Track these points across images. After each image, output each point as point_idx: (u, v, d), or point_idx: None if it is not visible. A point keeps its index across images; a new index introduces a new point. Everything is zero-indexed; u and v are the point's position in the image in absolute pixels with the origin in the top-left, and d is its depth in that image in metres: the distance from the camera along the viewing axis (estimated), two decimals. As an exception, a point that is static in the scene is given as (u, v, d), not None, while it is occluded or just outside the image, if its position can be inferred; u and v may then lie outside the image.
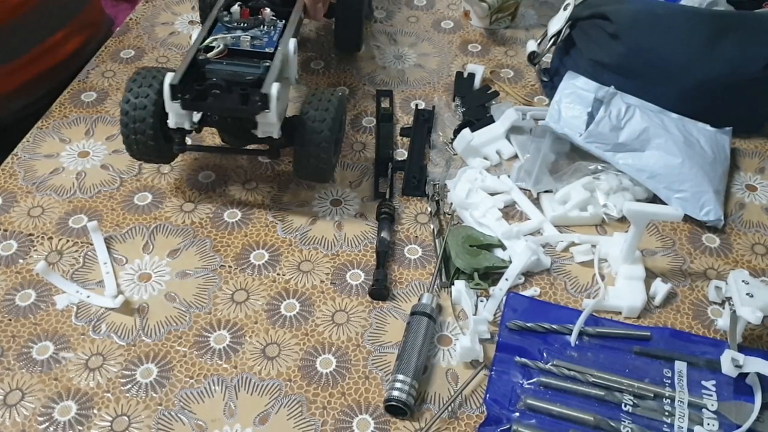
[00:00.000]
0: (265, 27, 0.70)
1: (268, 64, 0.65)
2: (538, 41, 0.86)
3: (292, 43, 0.68)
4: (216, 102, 0.63)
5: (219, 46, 0.65)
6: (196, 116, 0.66)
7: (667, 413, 0.55)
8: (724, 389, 0.56)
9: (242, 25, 0.69)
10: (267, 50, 0.67)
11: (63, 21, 0.90)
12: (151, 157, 0.69)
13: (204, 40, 0.66)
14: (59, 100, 0.82)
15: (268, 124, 0.63)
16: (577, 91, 0.76)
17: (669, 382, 0.57)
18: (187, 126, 0.65)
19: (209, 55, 0.65)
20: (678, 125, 0.73)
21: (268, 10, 0.70)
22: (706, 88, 0.75)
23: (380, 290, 0.62)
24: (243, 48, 0.67)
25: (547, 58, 0.87)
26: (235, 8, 0.70)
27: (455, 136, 0.77)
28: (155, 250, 0.66)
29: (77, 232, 0.67)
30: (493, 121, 0.78)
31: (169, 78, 0.62)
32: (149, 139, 0.66)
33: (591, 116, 0.73)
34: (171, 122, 0.64)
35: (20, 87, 0.86)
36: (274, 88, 0.61)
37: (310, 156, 0.66)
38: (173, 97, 0.62)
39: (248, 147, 0.69)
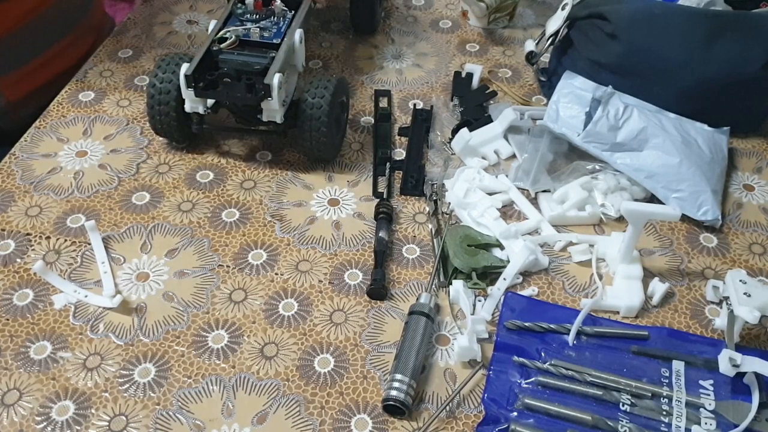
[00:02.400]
0: (275, 18, 0.75)
1: (274, 54, 0.70)
2: (536, 41, 0.86)
3: (298, 33, 0.73)
4: (225, 90, 0.68)
5: (231, 38, 0.71)
6: (210, 101, 0.71)
7: (664, 413, 0.55)
8: (721, 388, 0.56)
9: (254, 16, 0.74)
10: (275, 41, 0.72)
11: (69, 26, 0.89)
12: (173, 135, 0.74)
13: (219, 31, 0.72)
14: (57, 100, 0.82)
15: (272, 110, 0.69)
16: (575, 90, 0.76)
17: (667, 381, 0.57)
18: (201, 110, 0.70)
19: (222, 45, 0.70)
20: (676, 125, 0.74)
21: (278, 1, 0.75)
22: (704, 87, 0.75)
23: (378, 290, 0.62)
24: (253, 39, 0.72)
25: (545, 58, 0.87)
26: (249, 0, 0.74)
27: (453, 136, 0.77)
28: (153, 250, 0.66)
29: (75, 232, 0.67)
30: (491, 121, 0.78)
31: (184, 68, 0.68)
32: (172, 120, 0.72)
33: (589, 116, 0.73)
34: (187, 107, 0.70)
35: (29, 95, 0.85)
36: (276, 78, 0.66)
37: (310, 137, 0.70)
38: (188, 85, 0.68)
39: (259, 128, 0.73)
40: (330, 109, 0.70)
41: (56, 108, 0.81)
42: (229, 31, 0.71)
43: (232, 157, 0.75)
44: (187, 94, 0.69)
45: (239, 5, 0.75)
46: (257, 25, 0.73)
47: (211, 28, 0.73)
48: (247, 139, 0.78)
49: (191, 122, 0.73)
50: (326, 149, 0.72)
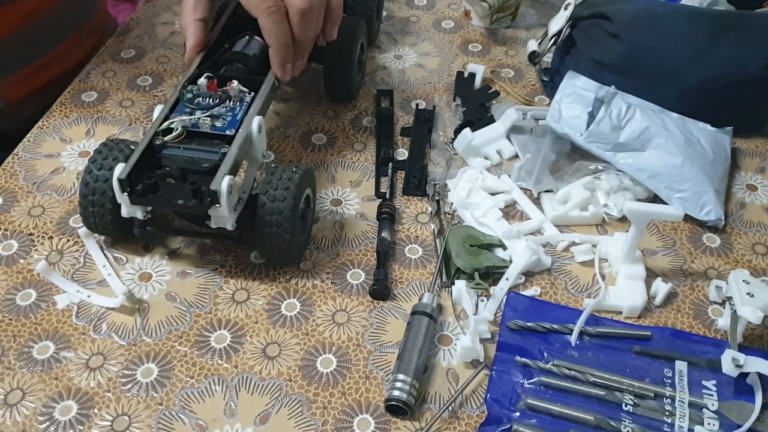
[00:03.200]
0: (231, 102, 0.64)
1: (226, 149, 0.60)
2: (539, 41, 0.86)
3: (256, 121, 0.62)
4: (165, 196, 0.58)
5: (177, 129, 0.61)
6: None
7: (667, 413, 0.55)
8: (724, 389, 0.56)
9: (207, 101, 0.64)
10: (228, 132, 0.61)
11: (71, 28, 0.89)
12: (111, 234, 0.65)
13: (164, 120, 0.62)
14: (60, 100, 0.82)
15: (221, 218, 0.59)
16: (577, 90, 0.76)
17: (669, 381, 0.57)
18: (139, 216, 0.61)
19: (166, 139, 0.61)
20: (678, 125, 0.73)
21: (235, 83, 0.65)
22: (707, 87, 0.75)
23: (381, 290, 0.62)
24: (203, 130, 0.62)
25: (548, 58, 0.87)
26: (202, 81, 0.64)
27: (456, 136, 0.77)
28: (156, 250, 0.66)
29: (78, 232, 0.67)
30: (494, 121, 0.78)
31: (117, 170, 0.58)
32: (108, 223, 0.63)
33: (591, 116, 0.73)
34: (123, 212, 0.60)
35: (31, 94, 0.85)
36: (225, 183, 0.56)
37: (270, 243, 0.61)
38: (122, 190, 0.58)
39: (211, 231, 0.62)
40: (294, 203, 0.60)
41: (59, 108, 0.81)
42: (174, 121, 0.61)
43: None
44: (122, 199, 0.59)
45: (189, 87, 0.64)
46: (207, 113, 0.62)
47: (155, 115, 0.63)
48: (197, 241, 0.67)
49: (132, 224, 0.63)
50: (289, 255, 0.62)
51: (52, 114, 0.80)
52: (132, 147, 0.62)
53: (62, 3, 0.86)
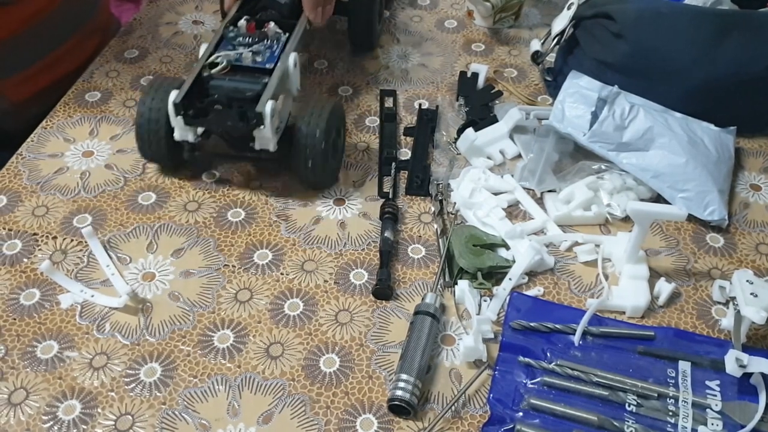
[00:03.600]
0: (269, 41, 0.71)
1: (266, 80, 0.67)
2: (542, 41, 0.86)
3: (292, 57, 0.69)
4: (215, 118, 0.65)
5: (222, 63, 0.68)
6: (200, 129, 0.68)
7: (671, 413, 0.55)
8: (728, 389, 0.56)
9: (247, 40, 0.71)
10: (267, 66, 0.68)
11: (74, 28, 0.89)
12: (164, 162, 0.73)
13: (210, 55, 0.69)
14: (63, 100, 0.82)
15: (264, 139, 0.66)
16: (580, 90, 0.76)
17: (673, 382, 0.57)
18: (190, 139, 0.67)
19: (213, 71, 0.67)
20: (682, 125, 0.73)
21: (272, 24, 0.72)
22: (711, 87, 0.75)
23: (384, 290, 0.62)
24: (245, 64, 0.69)
25: (551, 58, 0.86)
26: (242, 23, 0.72)
27: (459, 136, 0.77)
28: (159, 250, 0.67)
29: (81, 232, 0.68)
30: (497, 121, 0.78)
31: (173, 95, 0.65)
32: (162, 147, 0.69)
33: (595, 116, 0.73)
34: (176, 135, 0.67)
35: (35, 95, 0.85)
36: (268, 106, 0.63)
37: (305, 165, 0.68)
38: (177, 113, 0.65)
39: (252, 155, 0.70)
40: (325, 136, 0.67)
41: (62, 108, 0.81)
42: (220, 55, 0.68)
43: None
44: (176, 123, 0.66)
45: (231, 28, 0.72)
46: (249, 49, 0.70)
47: (201, 52, 0.70)
48: (240, 165, 0.74)
49: (182, 149, 0.70)
50: (322, 177, 0.71)
51: (56, 114, 0.80)
52: (180, 80, 0.68)
53: (65, 3, 0.86)
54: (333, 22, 0.95)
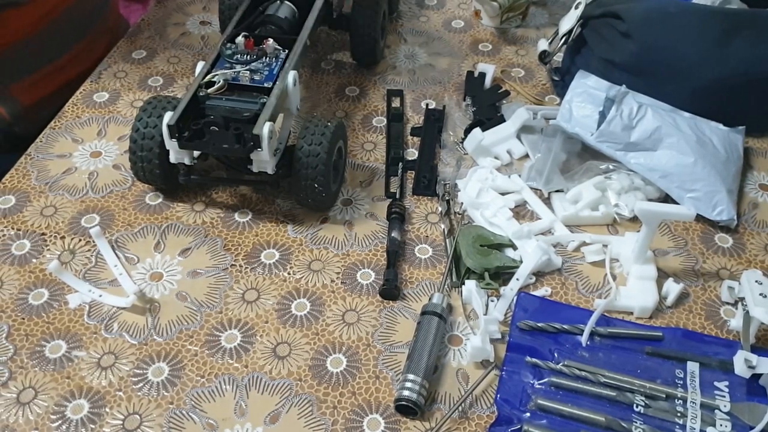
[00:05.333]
0: (267, 59, 0.69)
1: (265, 100, 0.65)
2: (549, 40, 0.86)
3: (291, 75, 0.67)
4: (211, 141, 0.63)
5: (219, 82, 0.66)
6: (197, 152, 0.67)
7: (679, 414, 0.54)
8: (737, 390, 0.56)
9: (245, 57, 0.69)
10: (266, 85, 0.67)
11: (84, 30, 0.89)
12: (157, 184, 0.70)
13: (206, 74, 0.67)
14: (72, 101, 0.82)
15: (262, 162, 0.64)
16: (588, 90, 0.75)
17: (681, 382, 0.56)
18: (186, 161, 0.66)
19: (209, 91, 0.66)
20: (690, 124, 0.73)
21: (271, 41, 0.70)
22: (719, 86, 0.75)
23: (390, 290, 0.62)
24: (243, 83, 0.67)
25: (558, 57, 0.86)
26: (240, 39, 0.70)
27: (466, 136, 0.77)
28: (166, 250, 0.67)
29: (89, 232, 0.68)
30: (504, 121, 0.78)
31: (167, 118, 0.63)
32: (155, 168, 0.67)
33: (602, 115, 0.73)
34: (172, 158, 0.66)
35: (43, 99, 0.85)
36: (266, 128, 0.62)
37: (306, 187, 0.66)
38: (171, 136, 0.63)
39: (251, 178, 0.68)
40: (328, 156, 0.65)
41: (71, 109, 0.82)
42: (217, 74, 0.66)
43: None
44: (171, 145, 0.64)
45: (228, 45, 0.70)
46: (247, 67, 0.68)
47: (198, 70, 0.68)
48: (237, 189, 0.72)
49: (177, 172, 0.68)
50: (323, 200, 0.67)
51: (64, 114, 0.81)
52: (176, 101, 0.67)
53: (74, 6, 0.87)
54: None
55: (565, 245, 0.68)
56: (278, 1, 0.77)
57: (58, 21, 0.85)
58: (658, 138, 0.71)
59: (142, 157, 0.67)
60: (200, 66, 0.68)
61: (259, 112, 0.63)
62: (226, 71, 0.67)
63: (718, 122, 0.75)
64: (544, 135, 0.74)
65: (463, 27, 0.95)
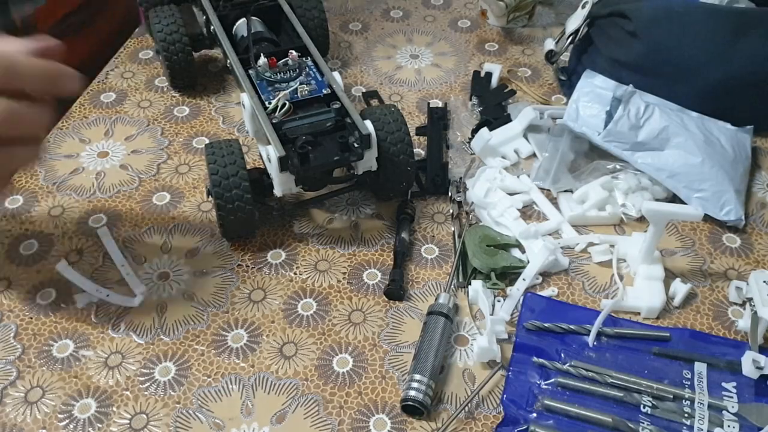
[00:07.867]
0: (297, 71, 0.68)
1: (337, 105, 0.64)
2: (556, 40, 0.86)
3: (337, 76, 0.67)
4: (318, 159, 0.61)
5: (285, 105, 0.63)
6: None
7: (686, 415, 0.54)
8: (744, 391, 0.56)
9: (278, 76, 0.67)
10: (324, 92, 0.66)
11: (95, 16, 0.91)
12: (247, 230, 0.66)
13: (260, 101, 0.65)
14: (79, 101, 0.83)
15: (367, 162, 0.63)
16: (595, 89, 0.75)
17: (688, 383, 0.56)
18: (294, 189, 0.64)
19: (277, 115, 0.63)
20: (698, 124, 0.73)
21: (294, 52, 0.68)
22: (727, 86, 0.74)
23: (396, 290, 0.62)
24: (302, 98, 0.65)
25: (565, 57, 0.86)
26: (263, 60, 0.68)
27: (473, 136, 0.77)
28: (173, 250, 0.67)
29: (97, 232, 0.68)
30: (511, 120, 0.77)
31: (271, 151, 0.61)
32: (248, 215, 0.63)
33: (609, 115, 0.73)
34: (278, 191, 0.63)
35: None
36: (370, 126, 0.62)
37: (401, 174, 0.66)
38: (282, 168, 0.60)
39: (338, 186, 0.69)
40: (410, 137, 0.66)
41: (78, 109, 0.82)
42: (280, 97, 0.63)
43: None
44: (280, 178, 0.61)
45: (251, 72, 0.68)
46: (299, 83, 0.66)
47: (246, 102, 0.65)
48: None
49: (263, 210, 0.66)
50: (407, 187, 0.68)
51: (72, 115, 0.81)
52: (236, 142, 0.64)
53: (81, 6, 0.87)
54: (347, 22, 0.95)
55: (572, 245, 0.67)
56: (243, 20, 0.75)
57: (72, 13, 0.85)
58: (666, 138, 0.71)
59: (233, 209, 0.62)
60: (246, 98, 0.65)
61: (340, 119, 0.63)
62: (285, 92, 0.65)
63: (725, 122, 0.75)
64: (551, 134, 0.74)
65: (469, 27, 0.95)
